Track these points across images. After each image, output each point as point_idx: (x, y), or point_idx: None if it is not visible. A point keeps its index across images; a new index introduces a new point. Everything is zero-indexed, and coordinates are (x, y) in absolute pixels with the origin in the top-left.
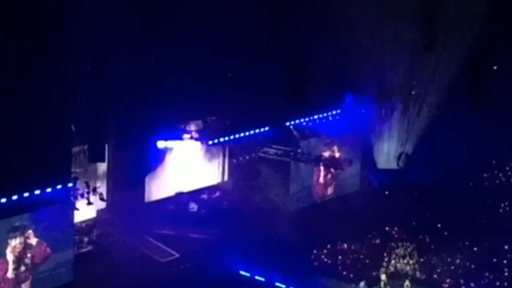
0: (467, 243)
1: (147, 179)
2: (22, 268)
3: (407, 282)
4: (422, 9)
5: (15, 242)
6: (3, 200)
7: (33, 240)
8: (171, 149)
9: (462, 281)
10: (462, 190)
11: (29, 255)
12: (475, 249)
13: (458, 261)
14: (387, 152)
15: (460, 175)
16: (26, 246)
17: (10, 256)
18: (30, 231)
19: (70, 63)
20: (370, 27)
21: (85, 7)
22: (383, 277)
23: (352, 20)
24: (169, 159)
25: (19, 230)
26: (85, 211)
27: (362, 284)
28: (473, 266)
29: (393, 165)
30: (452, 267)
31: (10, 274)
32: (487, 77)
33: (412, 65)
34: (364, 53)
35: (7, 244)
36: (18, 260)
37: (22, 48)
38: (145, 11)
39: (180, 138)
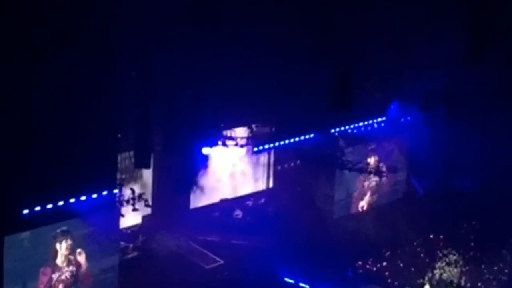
0: None
1: (192, 185)
2: (68, 274)
3: None
4: (472, 15)
5: (64, 245)
6: (49, 206)
7: (82, 258)
8: (216, 155)
9: None
10: (509, 197)
11: (74, 261)
12: None
13: (504, 269)
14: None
15: (507, 181)
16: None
17: (59, 260)
18: (79, 250)
19: (116, 69)
20: (417, 34)
21: (131, 12)
22: (427, 286)
23: (399, 26)
24: (214, 165)
25: (68, 235)
26: (130, 217)
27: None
28: None
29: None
30: (498, 276)
31: (54, 280)
32: None
33: (459, 73)
34: (411, 60)
35: (55, 249)
36: (66, 265)
37: (68, 55)
38: (191, 16)
39: (225, 145)
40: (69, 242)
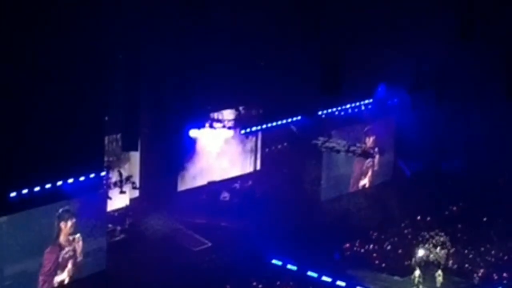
0: (500, 233)
1: (179, 168)
2: (70, 253)
3: (439, 272)
4: None
5: (69, 224)
6: (37, 188)
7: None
8: (203, 138)
9: (494, 271)
10: (495, 179)
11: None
12: (508, 239)
13: (491, 251)
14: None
15: (494, 164)
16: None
17: (62, 239)
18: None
19: (103, 53)
20: (404, 16)
21: None
22: (417, 271)
23: (386, 9)
24: (202, 148)
25: (71, 214)
26: (118, 200)
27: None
28: (506, 257)
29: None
30: (485, 257)
31: (60, 258)
32: None
33: (447, 54)
34: (398, 42)
35: (59, 228)
36: (68, 245)
37: (55, 39)
38: (180, 1)
39: (213, 127)
40: (73, 220)
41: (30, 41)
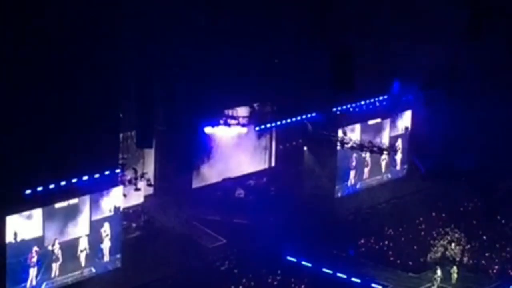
0: None
1: (194, 165)
2: None
3: (454, 268)
4: None
5: None
6: (52, 186)
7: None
8: (218, 135)
9: (510, 267)
10: (509, 175)
11: None
12: None
13: (506, 247)
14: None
15: (508, 160)
16: None
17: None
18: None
19: (118, 51)
20: (416, 12)
21: None
22: (438, 271)
23: (398, 6)
24: (216, 145)
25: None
26: (133, 197)
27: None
28: None
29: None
30: (501, 254)
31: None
32: None
33: (461, 51)
34: (411, 39)
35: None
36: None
37: (71, 37)
38: None
39: (228, 124)
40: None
41: (45, 39)
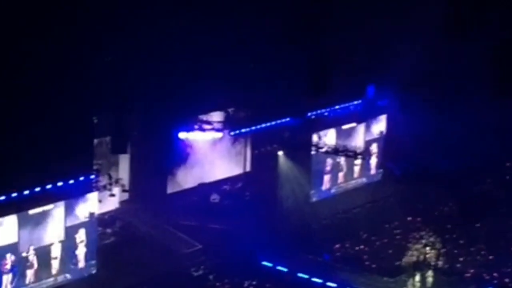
0: (490, 233)
1: (169, 170)
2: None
3: (429, 272)
4: None
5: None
6: (26, 192)
7: None
8: (192, 140)
9: (484, 271)
10: (485, 179)
11: None
12: (498, 238)
13: (481, 251)
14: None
15: (484, 164)
16: None
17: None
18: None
19: (92, 55)
20: (393, 16)
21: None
22: (417, 276)
23: (375, 9)
24: (191, 150)
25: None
26: (108, 202)
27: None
28: (496, 257)
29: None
30: (476, 257)
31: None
32: None
33: (436, 54)
34: (386, 42)
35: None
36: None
37: (44, 41)
38: (166, 2)
39: (202, 129)
40: None
41: (17, 42)
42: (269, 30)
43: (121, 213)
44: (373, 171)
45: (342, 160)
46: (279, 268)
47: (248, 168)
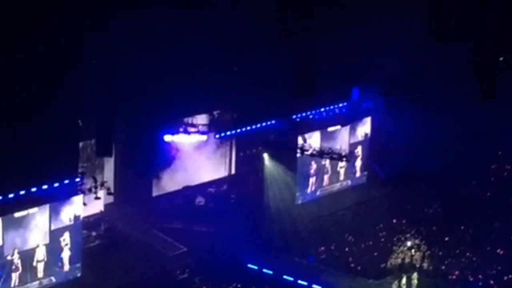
0: (475, 235)
1: (154, 173)
2: None
3: (415, 274)
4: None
5: None
6: (11, 195)
7: None
8: (178, 143)
9: (469, 273)
10: (469, 181)
11: None
12: (482, 241)
13: (466, 253)
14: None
15: (468, 166)
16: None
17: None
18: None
19: (77, 58)
20: (377, 19)
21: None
22: (403, 280)
23: (359, 12)
24: (176, 153)
25: None
26: (93, 205)
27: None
28: (480, 259)
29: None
30: (460, 259)
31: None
32: (495, 68)
33: (420, 56)
34: (371, 45)
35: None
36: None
37: (28, 43)
38: (151, 4)
39: (187, 132)
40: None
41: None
42: (254, 33)
43: (106, 216)
44: (358, 173)
45: (327, 162)
46: (265, 270)
47: (233, 171)
